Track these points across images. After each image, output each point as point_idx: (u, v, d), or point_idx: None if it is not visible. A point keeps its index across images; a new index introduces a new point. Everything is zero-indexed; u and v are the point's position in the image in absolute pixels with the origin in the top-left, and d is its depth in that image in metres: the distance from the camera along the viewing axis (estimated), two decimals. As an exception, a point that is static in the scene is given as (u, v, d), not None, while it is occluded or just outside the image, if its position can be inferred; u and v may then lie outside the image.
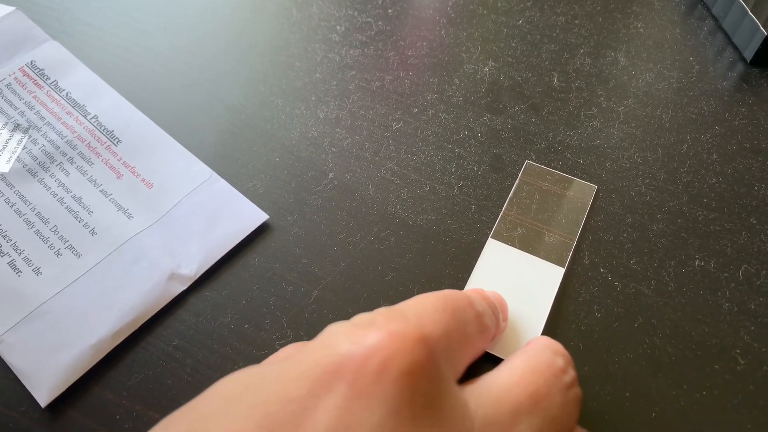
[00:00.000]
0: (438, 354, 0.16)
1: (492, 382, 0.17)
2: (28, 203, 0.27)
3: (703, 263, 0.26)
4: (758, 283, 0.25)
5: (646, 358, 0.23)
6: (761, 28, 0.32)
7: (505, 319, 0.23)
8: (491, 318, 0.20)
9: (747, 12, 0.33)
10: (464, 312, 0.18)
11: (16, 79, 0.31)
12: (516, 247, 0.25)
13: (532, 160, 0.29)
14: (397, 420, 0.14)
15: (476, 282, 0.24)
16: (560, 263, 0.24)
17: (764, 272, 0.26)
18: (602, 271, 0.26)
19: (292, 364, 0.15)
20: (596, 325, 0.24)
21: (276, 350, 0.23)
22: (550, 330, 0.24)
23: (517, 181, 0.26)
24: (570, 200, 0.25)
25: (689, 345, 0.24)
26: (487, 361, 0.22)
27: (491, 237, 0.25)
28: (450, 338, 0.17)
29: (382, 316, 0.16)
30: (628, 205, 0.28)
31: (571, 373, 0.18)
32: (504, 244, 0.25)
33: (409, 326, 0.16)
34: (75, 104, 0.30)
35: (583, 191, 0.26)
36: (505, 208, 0.25)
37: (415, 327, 0.16)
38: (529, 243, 0.25)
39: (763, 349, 0.24)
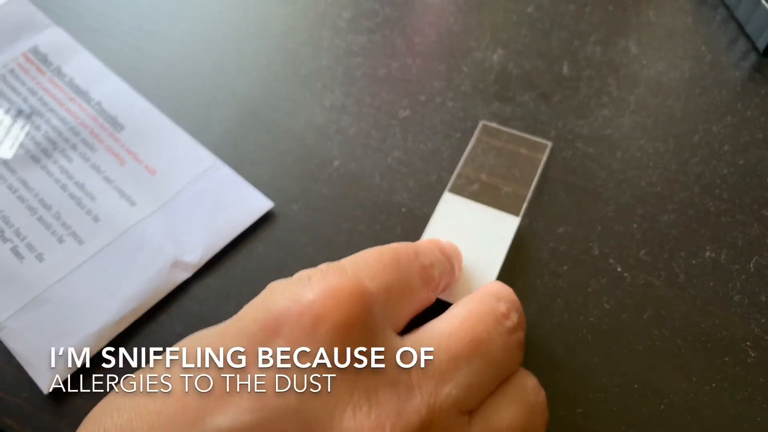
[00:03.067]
0: (373, 306, 0.16)
1: (433, 329, 0.18)
2: (30, 189, 0.27)
3: (714, 255, 0.26)
4: (770, 275, 0.25)
5: (655, 350, 0.23)
6: (775, 16, 0.32)
7: (459, 268, 0.23)
8: (442, 267, 0.20)
9: (760, 1, 0.33)
10: (408, 265, 0.19)
11: (18, 65, 0.31)
12: (472, 200, 0.25)
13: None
14: None
15: (432, 233, 0.24)
16: (515, 213, 0.25)
17: (776, 264, 0.25)
18: (611, 262, 0.25)
19: (232, 322, 0.16)
20: (605, 317, 0.24)
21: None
22: (558, 321, 0.24)
23: (473, 140, 0.27)
24: (524, 156, 0.26)
25: (699, 337, 0.23)
26: (443, 309, 0.21)
27: (447, 191, 0.25)
28: (390, 291, 0.17)
29: (320, 271, 0.17)
30: (639, 195, 0.27)
31: (513, 318, 0.18)
32: (460, 197, 0.25)
33: (345, 280, 0.16)
34: (78, 90, 0.30)
35: (536, 148, 0.27)
36: (462, 165, 0.26)
37: (350, 281, 0.16)
38: (485, 196, 0.25)
39: (775, 342, 0.23)
